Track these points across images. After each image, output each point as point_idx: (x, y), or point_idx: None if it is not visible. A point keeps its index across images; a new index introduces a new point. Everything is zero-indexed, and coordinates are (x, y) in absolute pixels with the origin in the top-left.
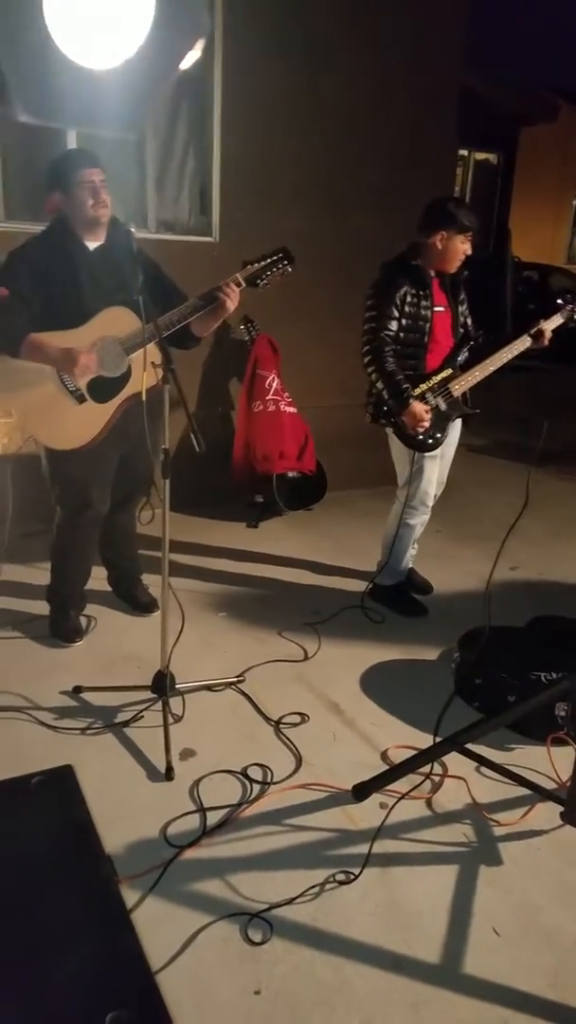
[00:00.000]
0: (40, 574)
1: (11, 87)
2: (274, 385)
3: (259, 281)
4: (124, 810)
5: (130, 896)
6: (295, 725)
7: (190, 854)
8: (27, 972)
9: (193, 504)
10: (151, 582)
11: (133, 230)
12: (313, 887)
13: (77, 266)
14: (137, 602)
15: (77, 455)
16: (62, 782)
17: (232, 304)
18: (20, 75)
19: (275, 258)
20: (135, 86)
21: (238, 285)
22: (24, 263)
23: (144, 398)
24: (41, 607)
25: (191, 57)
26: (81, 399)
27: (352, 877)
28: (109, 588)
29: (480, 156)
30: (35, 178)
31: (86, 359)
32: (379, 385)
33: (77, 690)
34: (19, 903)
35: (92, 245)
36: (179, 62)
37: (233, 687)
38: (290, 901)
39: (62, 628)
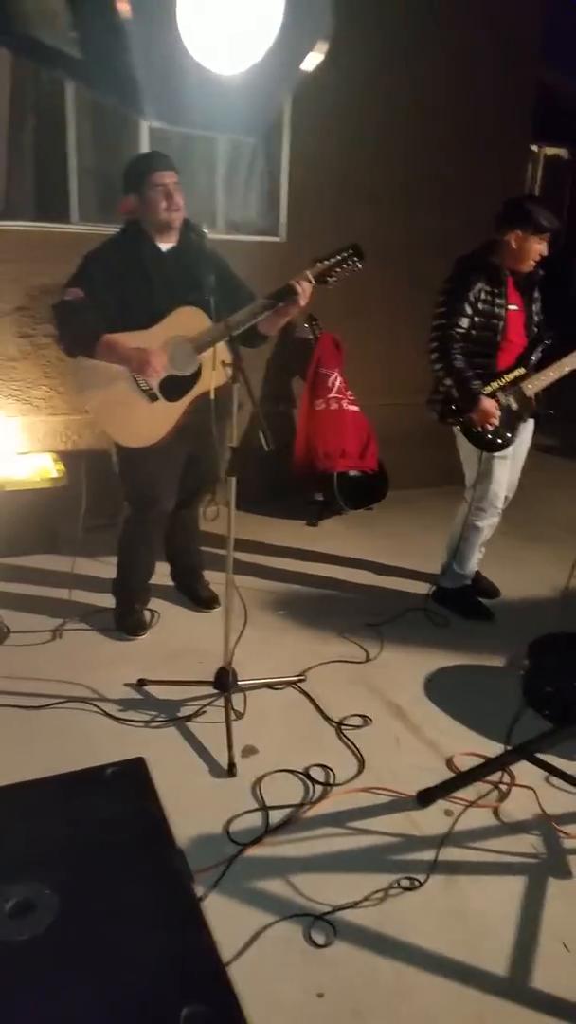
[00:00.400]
0: (105, 568)
1: (142, 91)
2: (337, 383)
3: (329, 278)
4: (187, 804)
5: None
6: (357, 727)
7: (252, 852)
8: (101, 964)
9: (253, 502)
10: (211, 579)
11: (207, 231)
12: (377, 891)
13: (149, 267)
14: (198, 598)
15: (147, 452)
16: (135, 774)
17: (303, 301)
18: (151, 79)
19: (346, 254)
20: (259, 89)
21: (309, 282)
22: (98, 265)
23: (213, 397)
24: (107, 600)
25: (314, 59)
26: (153, 398)
27: (417, 883)
28: (172, 583)
29: (551, 151)
30: (107, 181)
31: (158, 359)
32: (447, 382)
33: (141, 683)
34: (93, 893)
35: (164, 246)
36: (302, 64)
37: (294, 686)
38: (354, 904)
39: (127, 621)
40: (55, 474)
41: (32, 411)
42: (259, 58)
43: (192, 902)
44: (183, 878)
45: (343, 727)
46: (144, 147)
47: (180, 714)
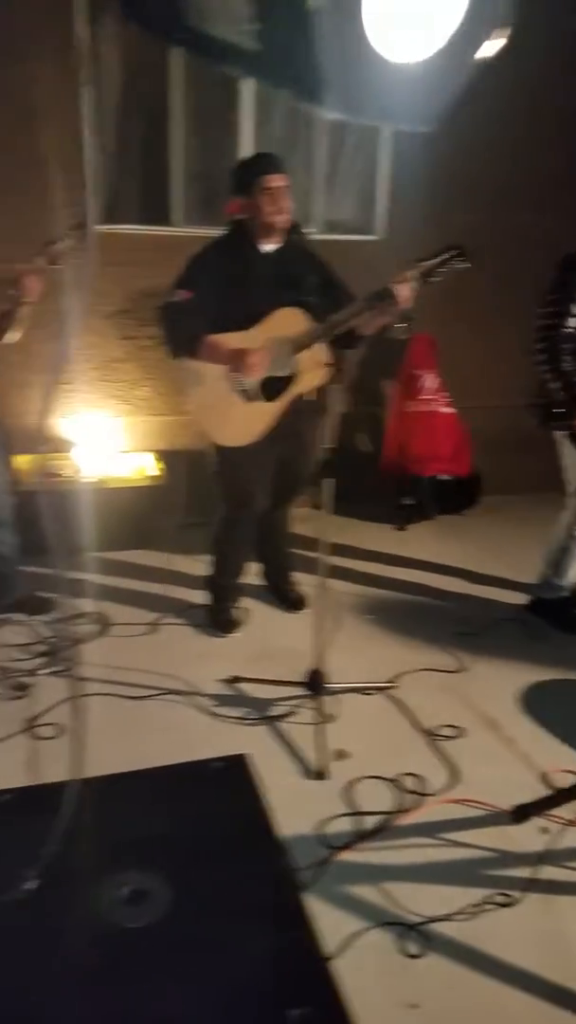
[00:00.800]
0: (199, 565)
1: (324, 82)
2: (430, 385)
3: (432, 278)
4: (279, 803)
5: None
6: (450, 738)
7: (344, 856)
8: (210, 957)
9: (340, 504)
10: (302, 580)
11: (307, 232)
12: (471, 906)
13: (252, 269)
14: (287, 598)
15: (243, 452)
16: (239, 770)
17: (404, 302)
18: (335, 71)
19: (450, 255)
20: (437, 79)
21: (409, 283)
22: (202, 267)
23: (310, 397)
24: (200, 596)
25: (492, 46)
26: (251, 398)
27: (512, 900)
28: (262, 583)
29: None
30: (209, 184)
31: (257, 360)
32: (553, 386)
33: (234, 679)
34: (203, 886)
35: (268, 248)
36: (479, 53)
37: (385, 692)
38: (448, 917)
39: (219, 618)
40: (154, 472)
41: (134, 411)
42: (439, 47)
43: (299, 903)
44: (291, 878)
45: (435, 737)
46: (247, 150)
47: (271, 713)
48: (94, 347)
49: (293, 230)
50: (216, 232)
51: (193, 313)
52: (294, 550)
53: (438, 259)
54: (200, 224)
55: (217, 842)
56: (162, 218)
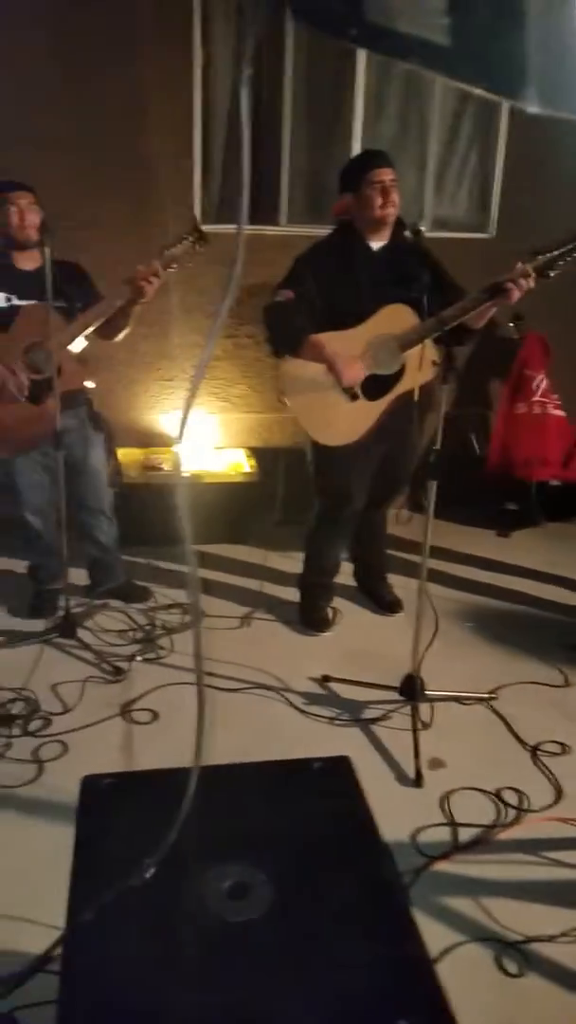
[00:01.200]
0: (291, 562)
1: (527, 75)
2: (542, 386)
3: (551, 271)
4: (373, 808)
5: None
6: (555, 755)
7: (440, 866)
8: (314, 961)
9: (440, 506)
10: (395, 583)
11: (423, 229)
12: (575, 929)
13: (360, 267)
14: (381, 600)
15: (342, 450)
16: (342, 771)
17: (518, 294)
18: (541, 62)
19: (573, 245)
20: None
21: (528, 276)
22: (308, 266)
23: (416, 397)
24: (292, 593)
25: None
26: (354, 397)
27: None
28: (354, 584)
29: None
30: (317, 183)
31: (358, 360)
32: None
33: (325, 679)
34: (306, 886)
35: (376, 245)
36: None
37: (485, 703)
38: (550, 939)
39: (311, 616)
40: (248, 469)
41: (230, 408)
42: None
43: (407, 910)
44: (396, 884)
45: (539, 752)
46: (356, 148)
47: (364, 716)
48: (197, 346)
49: (402, 226)
50: (323, 231)
51: (297, 312)
52: (390, 552)
53: (560, 250)
54: (307, 223)
55: (320, 842)
56: (270, 218)
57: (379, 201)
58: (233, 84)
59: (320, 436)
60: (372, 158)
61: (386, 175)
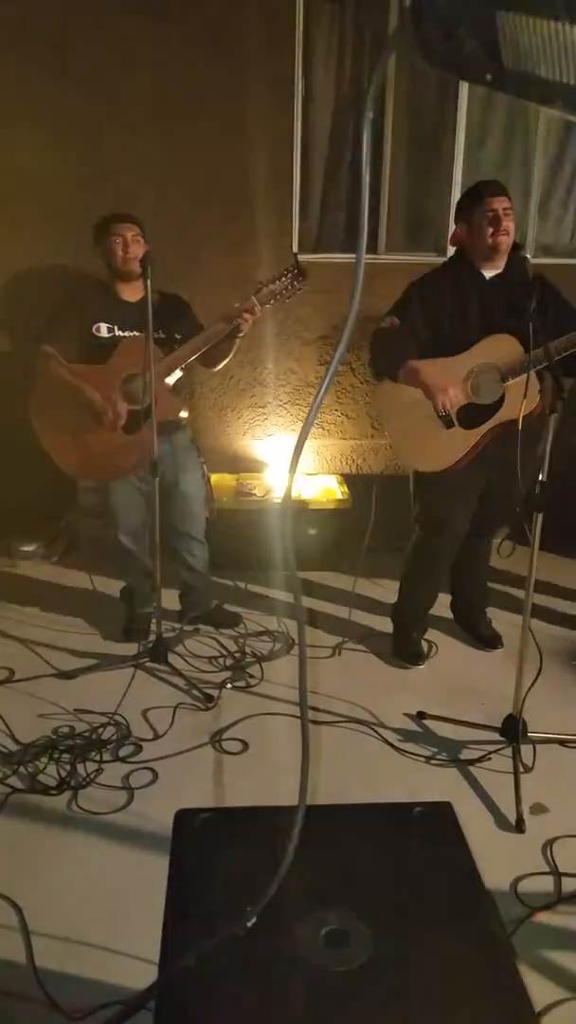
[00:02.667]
0: (383, 591)
1: None
2: None
3: None
4: (472, 853)
5: None
6: None
7: (542, 917)
8: (412, 1020)
9: (546, 539)
10: (494, 616)
11: (527, 256)
12: None
13: (471, 296)
14: (480, 635)
15: (442, 477)
16: (444, 817)
17: None
18: None
19: None
20: None
21: None
22: (420, 293)
23: (520, 427)
24: (384, 624)
25: None
26: (449, 424)
27: None
28: (450, 616)
29: None
30: (416, 212)
31: (456, 389)
32: None
33: (421, 715)
34: (407, 936)
35: (489, 274)
36: None
37: None
38: None
39: (404, 649)
40: (341, 496)
41: (323, 434)
42: None
43: (514, 967)
44: (502, 937)
45: None
46: (458, 178)
47: (462, 756)
48: (291, 372)
49: (518, 253)
50: (421, 259)
51: (399, 338)
52: (491, 585)
53: None
54: (405, 251)
55: (422, 891)
56: (369, 246)
57: (490, 230)
58: (334, 112)
59: (412, 461)
60: (485, 186)
61: (499, 204)
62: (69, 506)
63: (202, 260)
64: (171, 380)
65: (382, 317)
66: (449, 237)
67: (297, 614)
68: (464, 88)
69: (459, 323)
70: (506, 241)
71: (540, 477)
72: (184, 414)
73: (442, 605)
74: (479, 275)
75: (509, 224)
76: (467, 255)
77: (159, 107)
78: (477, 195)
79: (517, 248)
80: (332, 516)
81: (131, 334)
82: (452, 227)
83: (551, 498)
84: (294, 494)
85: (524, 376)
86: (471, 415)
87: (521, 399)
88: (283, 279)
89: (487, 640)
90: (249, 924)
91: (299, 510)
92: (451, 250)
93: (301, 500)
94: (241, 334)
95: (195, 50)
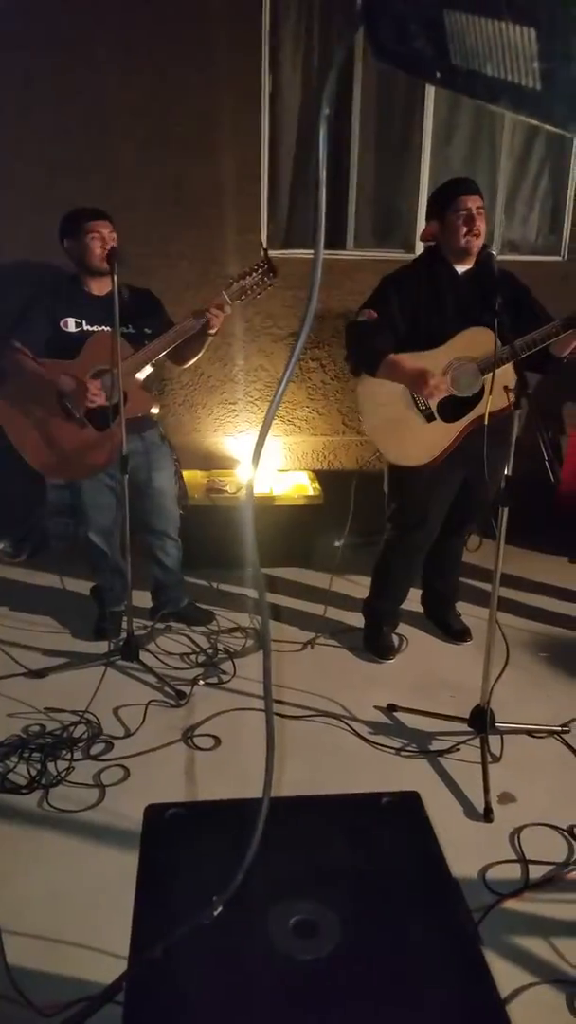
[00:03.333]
0: (354, 587)
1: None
2: None
3: None
4: (440, 842)
5: None
6: None
7: (510, 904)
8: (383, 1004)
9: (510, 533)
10: (464, 610)
11: (494, 253)
12: None
13: (444, 291)
14: (449, 628)
15: (419, 473)
16: (411, 807)
17: None
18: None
19: None
20: None
21: None
22: (394, 287)
23: (487, 421)
24: (356, 619)
25: None
26: (430, 418)
27: None
28: (420, 609)
29: None
30: (384, 209)
31: (437, 380)
32: None
33: (391, 708)
34: (375, 925)
35: (461, 269)
36: None
37: (557, 736)
38: None
39: (375, 643)
40: (312, 492)
41: (294, 431)
42: None
43: (480, 955)
44: (468, 924)
45: None
46: (425, 172)
47: (432, 747)
48: (261, 369)
49: (487, 250)
50: (390, 256)
51: (378, 332)
52: (460, 579)
53: None
54: (374, 247)
55: (390, 879)
56: (337, 242)
57: (464, 229)
58: (301, 109)
59: (394, 456)
60: (460, 185)
61: (473, 203)
62: (38, 504)
63: (171, 255)
64: (141, 376)
65: (357, 311)
66: (419, 233)
67: (262, 609)
68: (431, 86)
69: (435, 317)
70: (477, 243)
71: (507, 473)
72: (155, 410)
73: (412, 599)
74: (452, 270)
75: (482, 225)
76: (440, 252)
77: (127, 103)
78: (451, 193)
79: (484, 246)
80: (304, 512)
81: (100, 329)
82: (422, 223)
83: (518, 492)
84: (264, 491)
85: (501, 371)
86: (451, 408)
87: (499, 392)
88: (254, 274)
89: (456, 633)
90: (216, 913)
91: (268, 506)
92: (420, 247)
93: (271, 496)
94: (212, 331)
95: (162, 46)
